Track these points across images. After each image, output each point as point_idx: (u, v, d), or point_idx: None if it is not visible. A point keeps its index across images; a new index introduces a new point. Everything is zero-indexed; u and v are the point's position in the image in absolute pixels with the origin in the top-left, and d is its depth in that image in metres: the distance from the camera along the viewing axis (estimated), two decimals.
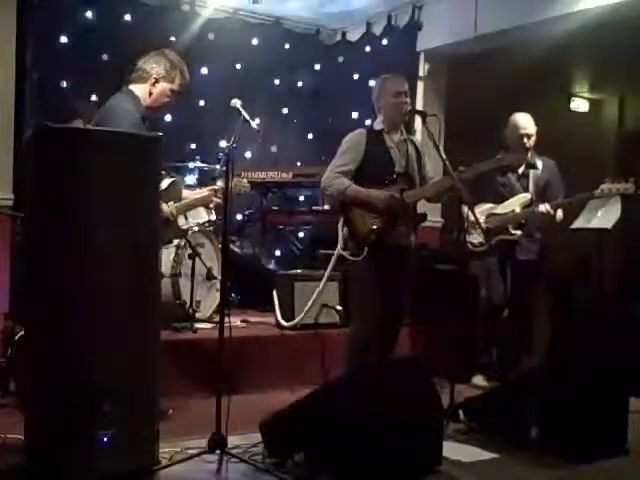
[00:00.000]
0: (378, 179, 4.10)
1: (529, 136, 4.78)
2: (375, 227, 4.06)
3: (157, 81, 3.86)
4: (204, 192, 4.48)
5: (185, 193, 4.55)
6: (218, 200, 4.41)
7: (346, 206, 4.16)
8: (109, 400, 2.86)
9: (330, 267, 4.63)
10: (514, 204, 4.78)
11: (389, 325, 4.19)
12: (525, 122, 4.81)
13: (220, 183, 4.43)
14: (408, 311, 4.86)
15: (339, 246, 4.21)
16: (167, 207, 4.15)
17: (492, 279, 4.89)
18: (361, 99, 6.39)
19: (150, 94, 3.87)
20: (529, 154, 4.84)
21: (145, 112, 3.84)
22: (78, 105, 5.16)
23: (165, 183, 4.23)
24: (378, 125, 4.24)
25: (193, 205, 4.52)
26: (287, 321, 5.06)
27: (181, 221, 4.81)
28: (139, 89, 3.87)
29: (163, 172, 4.32)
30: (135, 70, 3.90)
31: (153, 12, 6.18)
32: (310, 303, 4.98)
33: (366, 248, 4.05)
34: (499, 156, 4.28)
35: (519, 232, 4.73)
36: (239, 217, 6.53)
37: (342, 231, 4.18)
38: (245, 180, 4.80)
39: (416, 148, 4.30)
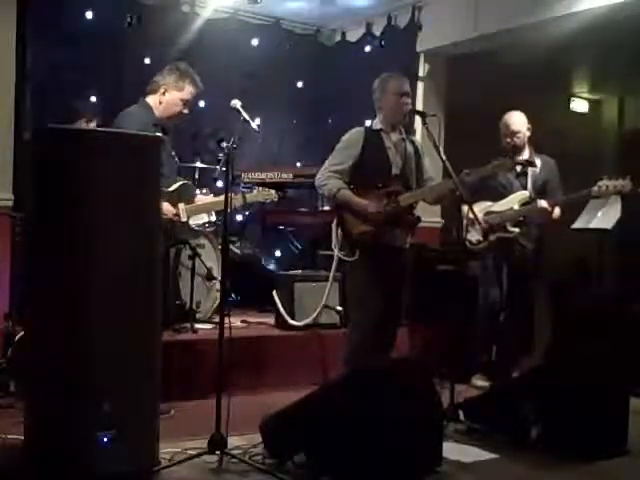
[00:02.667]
0: (374, 180, 4.08)
1: (513, 133, 4.79)
2: (366, 229, 4.05)
3: (166, 91, 4.16)
4: (218, 198, 4.52)
5: (199, 197, 4.59)
6: (236, 203, 4.47)
7: (339, 207, 4.16)
8: (109, 400, 2.86)
9: (333, 269, 4.61)
10: (512, 202, 4.78)
11: (387, 325, 4.19)
12: (510, 120, 4.83)
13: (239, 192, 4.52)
14: (408, 311, 4.86)
15: (333, 246, 4.21)
16: (173, 208, 4.17)
17: (488, 278, 4.89)
18: (361, 99, 6.39)
19: (160, 103, 4.16)
20: (526, 152, 4.84)
21: (159, 120, 4.10)
22: (81, 105, 5.17)
23: (176, 185, 4.26)
24: (377, 125, 4.23)
25: (206, 209, 4.56)
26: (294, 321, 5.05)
27: None
28: (151, 99, 4.17)
29: (178, 176, 4.40)
30: (150, 83, 4.21)
31: (153, 12, 6.18)
32: (322, 304, 4.98)
33: (357, 249, 4.06)
34: (495, 162, 4.28)
35: (517, 230, 4.73)
36: (239, 217, 6.54)
37: (336, 231, 4.18)
38: (273, 191, 4.85)
39: (415, 148, 4.29)
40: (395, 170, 4.15)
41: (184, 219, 4.34)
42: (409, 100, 4.20)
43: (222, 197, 4.52)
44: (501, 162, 4.27)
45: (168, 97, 4.15)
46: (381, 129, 4.20)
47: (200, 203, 4.49)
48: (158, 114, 4.14)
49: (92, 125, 4.96)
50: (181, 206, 4.31)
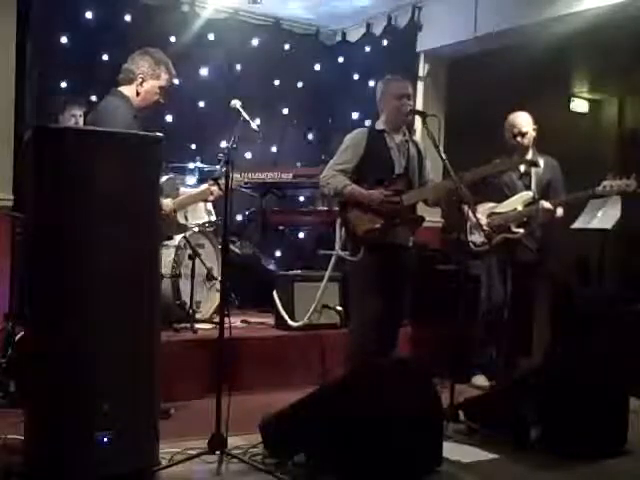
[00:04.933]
0: (377, 179, 4.10)
1: (522, 134, 4.78)
2: (371, 228, 4.06)
3: (144, 80, 3.95)
4: (201, 187, 4.49)
5: (182, 191, 4.56)
6: (217, 191, 4.34)
7: (344, 207, 4.17)
8: (109, 400, 2.86)
9: (330, 268, 4.62)
10: (516, 202, 4.78)
11: (389, 325, 4.20)
12: (518, 120, 4.81)
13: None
14: (408, 311, 4.86)
15: (337, 247, 4.22)
16: (166, 202, 4.14)
17: (493, 279, 4.89)
18: (361, 99, 6.41)
19: (138, 93, 3.96)
20: (530, 152, 4.84)
21: (136, 111, 3.92)
22: (57, 99, 5.16)
23: (161, 180, 4.23)
24: (380, 125, 4.24)
25: (191, 201, 4.52)
26: (292, 321, 5.05)
27: (181, 220, 4.83)
28: (127, 89, 3.96)
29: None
30: (122, 72, 3.99)
31: (153, 12, 6.18)
32: (315, 304, 4.97)
33: (362, 248, 4.06)
34: (497, 161, 4.28)
35: (521, 230, 4.73)
36: (239, 217, 6.54)
37: (340, 231, 4.18)
38: (237, 175, 4.80)
39: (418, 150, 4.30)
40: (398, 170, 4.17)
41: (173, 214, 4.32)
42: (410, 102, 4.20)
43: (203, 187, 4.51)
44: (502, 161, 4.27)
45: (146, 86, 3.95)
46: (384, 130, 4.21)
47: (184, 196, 4.46)
48: (136, 104, 3.96)
49: (73, 113, 4.93)
50: (167, 201, 4.29)
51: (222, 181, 4.44)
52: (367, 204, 4.06)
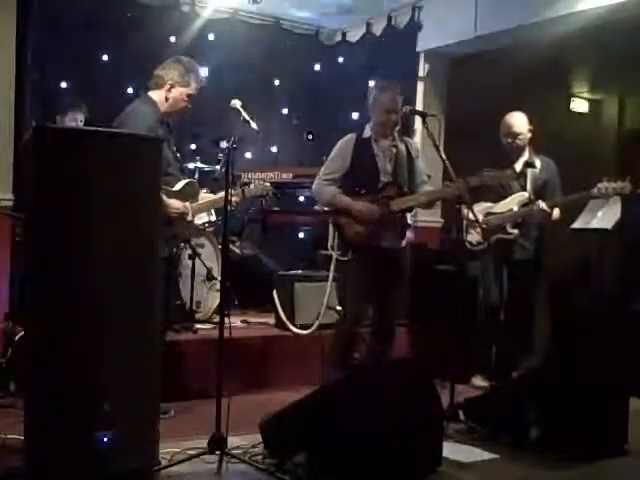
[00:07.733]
0: (363, 187, 4.20)
1: (514, 135, 4.78)
2: (358, 231, 4.17)
3: (172, 86, 4.04)
4: (221, 194, 4.49)
5: (201, 195, 4.56)
6: (235, 199, 4.36)
7: (336, 211, 4.27)
8: (109, 400, 2.86)
9: (332, 269, 4.62)
10: (512, 203, 4.78)
11: (382, 325, 4.25)
12: (511, 121, 4.80)
13: (238, 187, 4.45)
14: (407, 311, 4.86)
15: (329, 246, 4.28)
16: (183, 205, 4.14)
17: (488, 279, 4.89)
18: (361, 99, 6.38)
19: (166, 99, 4.04)
20: (526, 153, 4.83)
21: (163, 117, 4.01)
22: (67, 103, 5.15)
23: (181, 184, 4.24)
24: (367, 132, 4.31)
25: (210, 206, 4.54)
26: (300, 327, 5.03)
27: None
28: (156, 95, 4.05)
29: (180, 173, 4.36)
30: (152, 78, 4.08)
31: (153, 12, 6.18)
32: (323, 307, 4.93)
33: (350, 249, 4.18)
34: (507, 172, 4.29)
35: (516, 231, 4.73)
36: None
37: (333, 233, 4.27)
38: (267, 183, 4.81)
39: (408, 151, 4.31)
40: (383, 177, 4.24)
41: (190, 218, 4.33)
42: (397, 116, 4.21)
43: (223, 193, 4.51)
44: (502, 174, 4.27)
45: (175, 93, 4.04)
46: (370, 136, 4.28)
47: (204, 201, 4.47)
48: (163, 110, 4.04)
49: (74, 117, 4.94)
50: (188, 204, 4.29)
51: (249, 188, 4.51)
52: (354, 215, 4.18)
